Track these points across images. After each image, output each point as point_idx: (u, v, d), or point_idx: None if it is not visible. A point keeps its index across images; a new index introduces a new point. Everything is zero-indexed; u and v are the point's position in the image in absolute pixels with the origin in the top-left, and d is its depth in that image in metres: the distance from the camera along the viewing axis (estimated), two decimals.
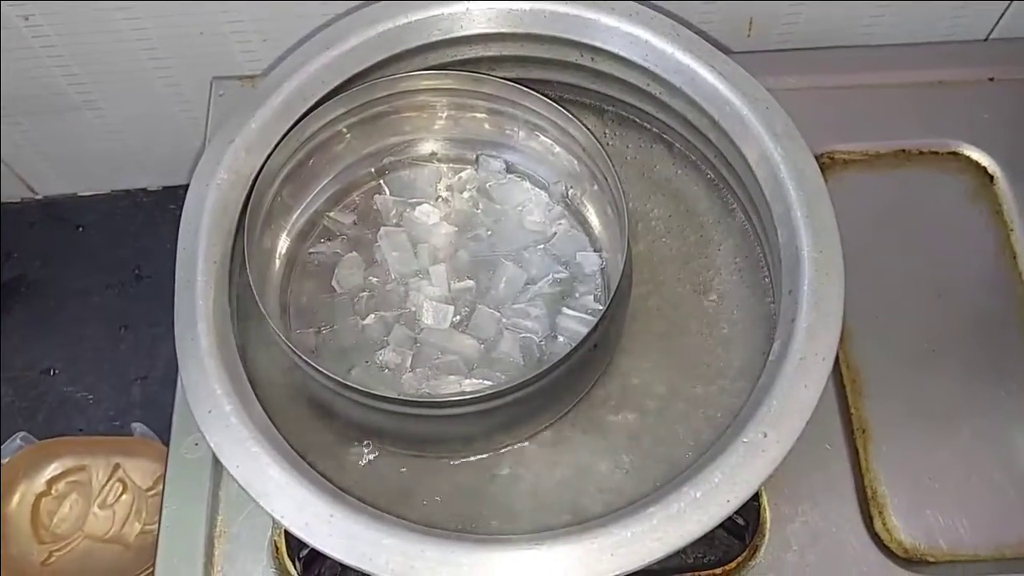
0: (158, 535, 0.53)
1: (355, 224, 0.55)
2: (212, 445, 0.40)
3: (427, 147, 0.57)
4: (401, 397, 0.44)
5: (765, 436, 0.40)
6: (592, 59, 0.52)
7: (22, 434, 0.75)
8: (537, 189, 0.56)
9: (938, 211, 0.62)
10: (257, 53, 0.69)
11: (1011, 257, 0.61)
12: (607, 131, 0.57)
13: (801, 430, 0.40)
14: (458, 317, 0.51)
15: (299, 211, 0.53)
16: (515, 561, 0.38)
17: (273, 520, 0.46)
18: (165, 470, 0.55)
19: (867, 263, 0.60)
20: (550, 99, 0.50)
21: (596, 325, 0.44)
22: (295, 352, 0.43)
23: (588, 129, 0.48)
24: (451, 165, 0.57)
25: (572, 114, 0.49)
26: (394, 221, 0.55)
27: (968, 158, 0.64)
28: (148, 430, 0.75)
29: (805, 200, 0.44)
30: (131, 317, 0.82)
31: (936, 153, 0.64)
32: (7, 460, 0.73)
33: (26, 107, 0.75)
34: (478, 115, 0.55)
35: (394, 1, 0.51)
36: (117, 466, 0.74)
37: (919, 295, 0.59)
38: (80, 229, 0.86)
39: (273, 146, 0.48)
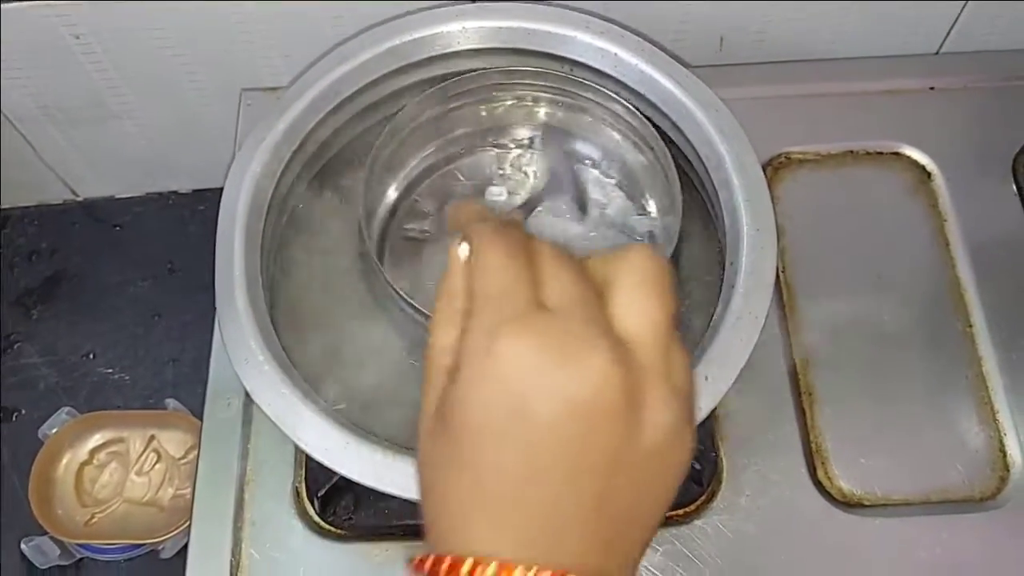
0: (195, 482, 0.61)
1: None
2: (248, 389, 0.48)
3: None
4: None
5: (707, 379, 0.47)
6: (571, 70, 0.60)
7: (67, 408, 0.82)
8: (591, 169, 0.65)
9: (881, 204, 0.69)
10: (279, 68, 0.76)
11: (944, 245, 0.68)
12: None
13: (736, 374, 0.48)
14: None
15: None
16: None
17: (299, 447, 0.54)
18: (201, 428, 0.63)
19: (816, 249, 0.67)
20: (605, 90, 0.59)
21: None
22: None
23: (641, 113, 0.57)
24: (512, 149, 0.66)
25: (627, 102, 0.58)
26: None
27: (909, 158, 0.71)
28: (180, 405, 0.83)
29: (745, 187, 0.52)
30: (164, 307, 0.89)
31: (880, 153, 0.71)
32: (54, 431, 0.81)
33: (72, 116, 0.82)
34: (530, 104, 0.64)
35: (399, 21, 0.59)
36: (152, 437, 0.82)
37: (863, 277, 0.66)
38: (117, 228, 0.92)
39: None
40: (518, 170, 0.65)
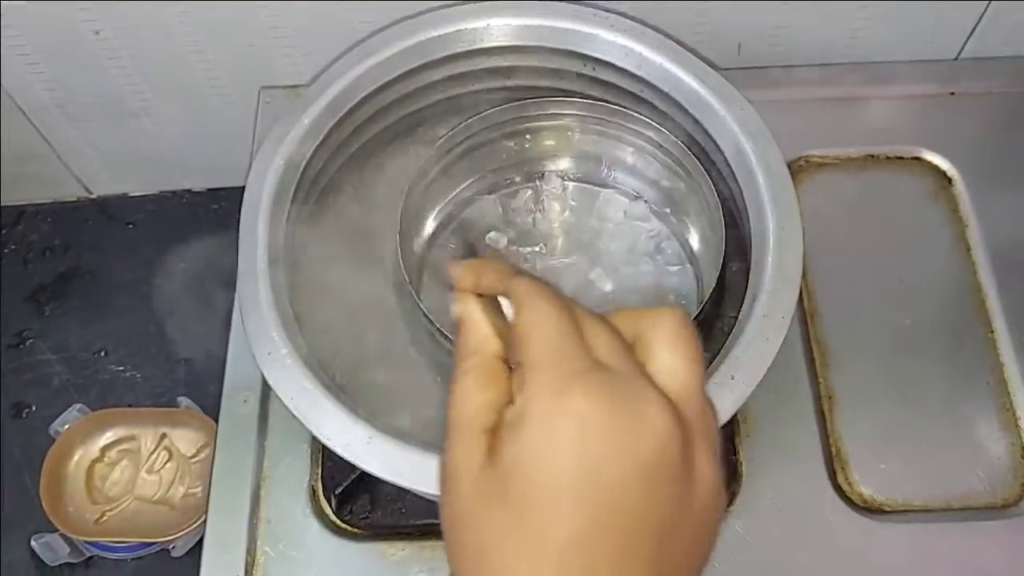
0: (211, 478, 0.60)
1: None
2: (271, 382, 0.48)
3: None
4: None
5: (733, 378, 0.47)
6: (594, 69, 0.60)
7: (78, 406, 0.82)
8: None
9: (902, 209, 0.69)
10: (300, 67, 0.76)
11: (965, 250, 0.68)
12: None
13: (763, 373, 0.47)
14: None
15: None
16: None
17: (315, 445, 0.54)
18: (217, 425, 0.62)
19: (837, 253, 0.67)
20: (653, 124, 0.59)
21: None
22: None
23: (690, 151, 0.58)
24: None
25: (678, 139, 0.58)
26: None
27: (929, 163, 0.71)
28: (192, 403, 0.82)
29: (771, 185, 0.52)
30: (176, 305, 0.88)
31: (901, 158, 0.71)
32: (65, 428, 0.81)
33: (89, 114, 0.82)
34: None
35: (422, 18, 0.59)
36: (164, 435, 0.81)
37: (883, 281, 0.66)
38: (130, 226, 0.92)
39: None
40: (536, 210, 0.66)
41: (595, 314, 0.31)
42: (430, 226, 0.65)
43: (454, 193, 0.65)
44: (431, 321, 0.53)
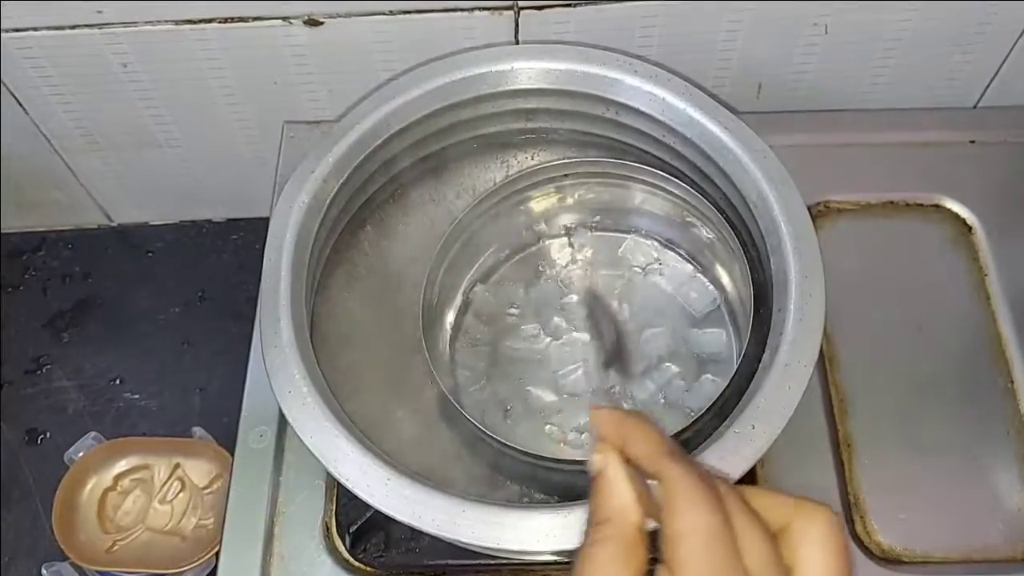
0: (225, 513, 0.60)
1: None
2: (291, 420, 0.48)
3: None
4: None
5: (753, 428, 0.47)
6: (616, 113, 0.60)
7: (93, 433, 0.81)
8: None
9: (921, 256, 0.69)
10: (323, 103, 0.77)
11: (985, 298, 0.67)
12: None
13: (784, 424, 0.47)
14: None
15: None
16: (542, 521, 0.45)
17: (330, 481, 0.54)
18: (233, 458, 0.62)
19: (856, 300, 0.67)
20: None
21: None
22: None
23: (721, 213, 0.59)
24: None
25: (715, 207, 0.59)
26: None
27: (949, 210, 0.71)
28: (207, 433, 0.82)
29: (794, 233, 0.52)
30: (193, 335, 0.89)
31: (921, 205, 0.71)
32: (80, 456, 0.81)
33: (113, 143, 0.83)
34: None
35: (449, 60, 0.60)
36: (177, 465, 0.81)
37: (902, 329, 0.66)
38: (150, 254, 0.93)
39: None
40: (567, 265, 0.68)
41: (746, 508, 0.31)
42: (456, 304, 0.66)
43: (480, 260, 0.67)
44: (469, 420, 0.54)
